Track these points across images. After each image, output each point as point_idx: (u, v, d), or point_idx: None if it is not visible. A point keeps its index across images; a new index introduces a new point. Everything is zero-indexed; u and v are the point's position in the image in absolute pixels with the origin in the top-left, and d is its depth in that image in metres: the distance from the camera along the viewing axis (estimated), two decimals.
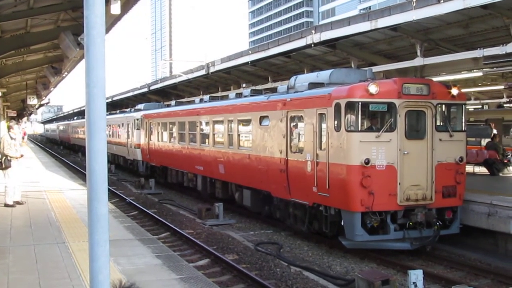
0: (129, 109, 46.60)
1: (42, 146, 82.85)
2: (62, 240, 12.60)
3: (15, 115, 48.15)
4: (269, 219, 19.41)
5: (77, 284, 9.15)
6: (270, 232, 18.40)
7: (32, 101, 36.64)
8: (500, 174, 22.13)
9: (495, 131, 24.96)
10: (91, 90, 3.97)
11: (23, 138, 61.67)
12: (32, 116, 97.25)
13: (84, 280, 9.23)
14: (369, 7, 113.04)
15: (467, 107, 16.61)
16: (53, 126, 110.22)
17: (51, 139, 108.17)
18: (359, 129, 14.00)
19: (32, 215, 15.94)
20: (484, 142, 25.49)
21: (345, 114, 13.94)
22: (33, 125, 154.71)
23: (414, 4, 16.55)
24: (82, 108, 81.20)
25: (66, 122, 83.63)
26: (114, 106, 63.09)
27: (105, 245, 4.03)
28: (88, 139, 4.00)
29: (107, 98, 58.93)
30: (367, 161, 13.66)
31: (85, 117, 4.03)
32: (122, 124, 39.27)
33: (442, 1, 15.69)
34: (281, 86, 19.10)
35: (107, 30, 16.11)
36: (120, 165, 41.32)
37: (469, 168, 20.43)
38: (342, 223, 14.30)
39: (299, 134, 16.32)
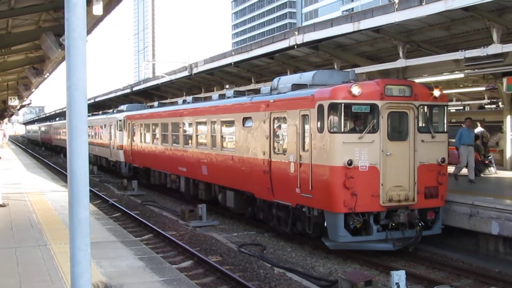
0: (111, 110, 46.39)
1: (24, 147, 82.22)
2: (44, 242, 12.51)
3: None
4: (253, 220, 19.40)
5: (59, 287, 9.08)
6: (253, 233, 18.40)
7: (13, 102, 36.29)
8: (482, 175, 22.26)
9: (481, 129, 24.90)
10: (72, 93, 3.94)
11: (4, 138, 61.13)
12: (14, 117, 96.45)
13: (66, 283, 9.16)
14: (352, 9, 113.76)
15: (449, 108, 16.68)
16: (34, 127, 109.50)
17: (32, 140, 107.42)
18: (342, 130, 14.03)
19: (13, 217, 15.80)
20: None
21: (328, 116, 13.97)
22: (15, 126, 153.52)
23: (397, 6, 16.65)
24: (64, 109, 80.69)
25: (48, 123, 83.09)
26: (97, 107, 62.83)
27: (86, 250, 4.00)
28: (69, 142, 3.97)
29: (89, 99, 58.70)
30: (350, 162, 13.69)
31: (66, 120, 4.00)
32: (105, 125, 39.05)
33: (424, 3, 15.80)
34: (264, 87, 19.09)
35: (89, 31, 16.02)
36: (102, 166, 41.08)
37: (451, 169, 20.53)
38: (325, 224, 14.32)
39: (282, 135, 16.33)
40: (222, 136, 20.47)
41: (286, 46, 22.27)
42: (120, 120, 34.90)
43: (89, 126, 39.90)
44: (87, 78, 4.02)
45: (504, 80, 19.05)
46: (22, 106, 55.36)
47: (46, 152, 71.93)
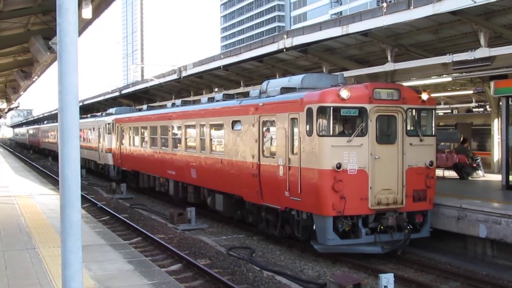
0: (100, 113, 46.24)
1: (12, 150, 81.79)
2: (32, 246, 12.46)
3: None
4: (242, 223, 19.40)
5: None
6: (242, 236, 18.39)
7: (1, 105, 36.20)
8: (469, 178, 22.40)
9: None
10: (63, 97, 3.95)
11: None
12: (1, 120, 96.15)
13: (55, 286, 9.15)
14: (340, 12, 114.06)
15: (437, 111, 16.78)
16: (22, 130, 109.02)
17: (20, 143, 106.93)
18: (331, 133, 14.07)
19: (1, 221, 15.71)
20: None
21: (317, 119, 14.01)
22: (2, 129, 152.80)
23: (385, 10, 16.75)
24: (52, 112, 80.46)
25: (36, 126, 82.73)
26: (85, 110, 62.57)
27: (77, 252, 4.00)
28: (61, 146, 3.97)
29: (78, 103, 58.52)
30: (338, 166, 13.73)
31: (58, 124, 4.00)
32: (93, 129, 38.94)
33: (412, 7, 15.90)
34: (253, 90, 19.12)
35: (79, 34, 15.98)
36: (91, 169, 40.94)
37: (439, 172, 20.66)
38: (314, 227, 14.35)
39: (271, 139, 16.35)
40: (211, 139, 20.46)
41: (275, 49, 22.31)
42: (108, 123, 34.82)
43: None
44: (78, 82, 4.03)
45: (492, 83, 19.19)
46: (10, 109, 55.16)
47: (34, 155, 71.60)
